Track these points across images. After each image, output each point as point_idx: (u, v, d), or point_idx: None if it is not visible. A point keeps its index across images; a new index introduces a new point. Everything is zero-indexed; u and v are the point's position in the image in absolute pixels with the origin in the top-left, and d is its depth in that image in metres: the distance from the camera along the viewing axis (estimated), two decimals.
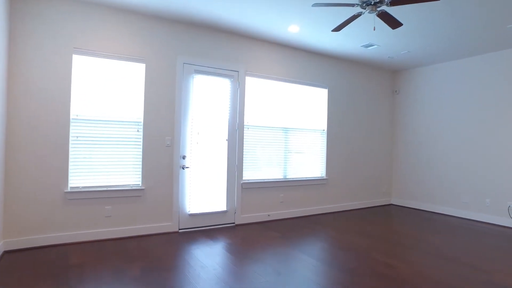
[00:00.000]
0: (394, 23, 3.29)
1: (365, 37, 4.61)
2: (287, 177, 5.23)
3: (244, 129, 4.76)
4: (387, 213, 5.72)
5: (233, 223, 4.64)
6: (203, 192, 4.39)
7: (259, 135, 4.91)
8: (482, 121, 5.22)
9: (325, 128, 5.66)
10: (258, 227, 4.56)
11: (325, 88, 5.65)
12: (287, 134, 5.21)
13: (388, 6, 3.01)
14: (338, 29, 3.50)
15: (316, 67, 5.52)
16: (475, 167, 5.26)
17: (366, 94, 6.22)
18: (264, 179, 4.95)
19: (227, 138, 4.59)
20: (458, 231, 4.53)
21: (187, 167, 4.23)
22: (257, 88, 4.89)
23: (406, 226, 4.75)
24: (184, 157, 4.21)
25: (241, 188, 4.69)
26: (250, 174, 4.84)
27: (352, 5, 3.02)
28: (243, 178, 4.76)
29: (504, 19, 3.91)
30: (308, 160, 5.46)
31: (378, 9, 3.48)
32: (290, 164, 5.25)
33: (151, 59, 4.01)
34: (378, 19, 3.95)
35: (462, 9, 3.64)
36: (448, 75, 5.68)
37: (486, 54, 5.18)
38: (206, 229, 4.34)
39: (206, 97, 4.42)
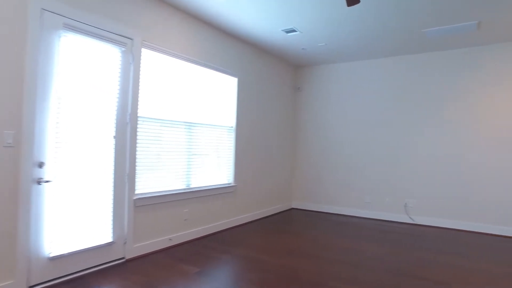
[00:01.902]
0: None
1: (291, 19, 3.95)
2: (191, 186, 4.08)
3: (138, 122, 3.37)
4: (296, 219, 5.30)
5: (123, 258, 3.20)
6: (76, 218, 2.80)
7: (157, 132, 3.60)
8: (382, 123, 5.39)
9: (234, 124, 4.77)
10: (160, 259, 3.28)
11: (235, 77, 4.76)
12: (191, 131, 4.07)
13: None
14: None
15: (227, 50, 4.56)
16: (376, 167, 5.41)
17: (274, 88, 5.66)
18: (163, 192, 3.67)
19: (114, 134, 3.11)
20: (377, 234, 4.42)
21: (48, 181, 2.58)
22: (157, 67, 3.57)
23: (326, 235, 4.36)
24: (41, 165, 2.54)
25: (133, 206, 3.29)
26: (146, 185, 3.48)
27: None
28: (136, 192, 3.36)
29: (419, 23, 3.93)
30: (214, 164, 4.45)
31: None
32: (194, 170, 4.12)
33: None
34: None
35: (385, 9, 3.40)
36: (353, 75, 5.70)
37: (397, 56, 5.35)
38: (79, 277, 2.78)
39: (84, 71, 2.84)
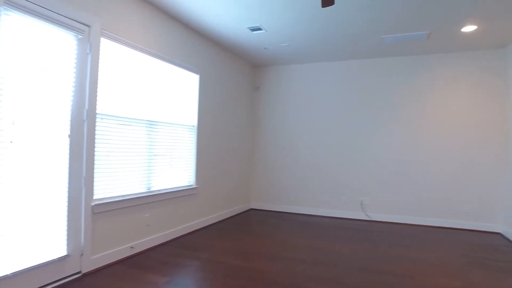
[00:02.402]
0: None
1: (259, 16, 3.88)
2: (152, 189, 3.80)
3: (97, 120, 3.02)
4: (257, 220, 5.26)
5: (79, 272, 2.84)
6: (22, 231, 2.40)
7: (117, 131, 3.27)
8: (337, 124, 5.58)
9: (195, 123, 4.56)
10: (121, 270, 2.98)
11: (197, 73, 4.55)
12: (152, 130, 3.79)
13: None
14: None
15: (190, 46, 4.33)
16: (332, 166, 5.59)
17: (234, 87, 5.54)
18: (124, 196, 3.35)
19: (69, 133, 2.74)
20: (338, 232, 4.55)
21: None
22: (117, 59, 3.24)
23: (290, 235, 4.37)
24: None
25: (91, 214, 2.94)
26: (105, 189, 3.14)
27: None
28: (95, 197, 3.02)
29: (379, 29, 4.14)
30: (176, 165, 4.20)
31: None
32: (155, 172, 3.85)
33: None
34: None
35: (350, 13, 3.53)
36: (311, 77, 5.81)
37: (355, 60, 5.56)
38: None
39: (32, 59, 2.44)
